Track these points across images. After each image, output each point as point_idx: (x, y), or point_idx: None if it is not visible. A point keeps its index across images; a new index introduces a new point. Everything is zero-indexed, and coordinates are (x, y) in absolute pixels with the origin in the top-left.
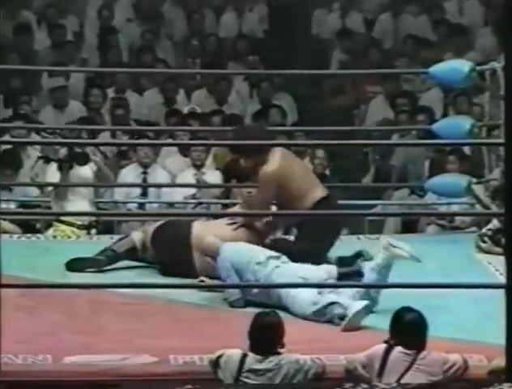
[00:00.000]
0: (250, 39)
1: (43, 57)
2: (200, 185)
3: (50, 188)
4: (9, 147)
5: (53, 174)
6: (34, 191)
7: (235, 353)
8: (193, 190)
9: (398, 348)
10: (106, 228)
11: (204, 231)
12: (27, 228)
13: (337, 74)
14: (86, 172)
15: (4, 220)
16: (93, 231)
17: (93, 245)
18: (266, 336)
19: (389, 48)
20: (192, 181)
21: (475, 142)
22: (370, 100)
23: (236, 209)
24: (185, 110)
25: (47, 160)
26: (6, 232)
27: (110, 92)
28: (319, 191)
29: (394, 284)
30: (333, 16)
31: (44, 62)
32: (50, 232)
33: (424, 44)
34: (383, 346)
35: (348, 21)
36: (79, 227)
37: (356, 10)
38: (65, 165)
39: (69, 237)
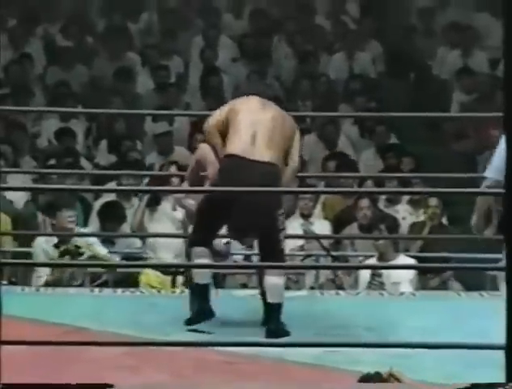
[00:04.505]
0: (364, 79)
1: (146, 101)
2: (308, 235)
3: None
4: (112, 198)
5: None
6: (137, 243)
7: None
8: (300, 242)
9: None
10: None
11: None
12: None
13: (457, 117)
14: (176, 213)
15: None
16: (179, 278)
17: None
18: None
19: None
20: (299, 231)
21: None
22: (496, 145)
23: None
24: None
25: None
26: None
27: None
28: (237, 148)
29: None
30: (455, 55)
31: (146, 106)
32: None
33: None
34: None
35: (471, 60)
36: (164, 273)
37: (480, 49)
38: (151, 201)
39: (152, 286)
